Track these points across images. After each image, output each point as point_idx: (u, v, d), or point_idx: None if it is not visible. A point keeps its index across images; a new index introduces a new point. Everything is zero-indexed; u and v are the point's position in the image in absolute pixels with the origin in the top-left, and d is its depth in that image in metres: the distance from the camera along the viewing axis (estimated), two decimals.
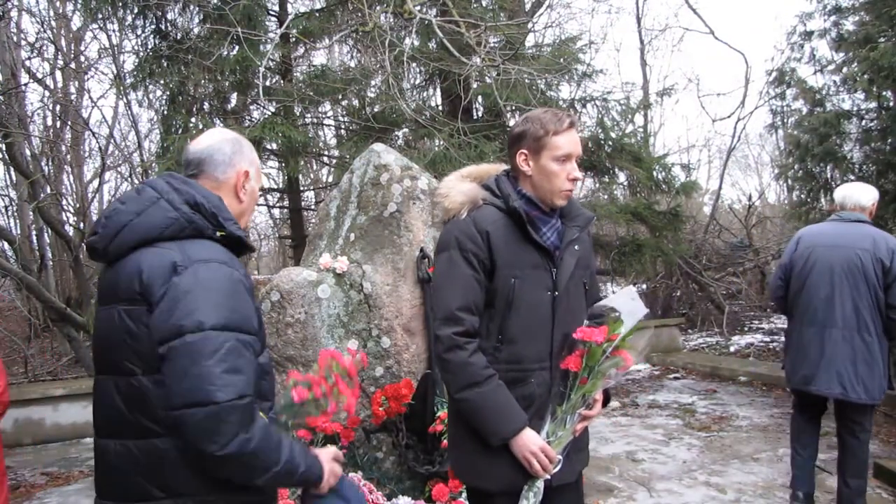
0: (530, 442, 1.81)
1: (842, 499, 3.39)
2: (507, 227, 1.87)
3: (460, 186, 1.95)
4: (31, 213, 9.94)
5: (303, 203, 9.54)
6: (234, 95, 7.73)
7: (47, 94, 11.12)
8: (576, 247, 1.96)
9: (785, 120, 9.10)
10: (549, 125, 1.88)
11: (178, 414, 1.34)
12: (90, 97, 15.82)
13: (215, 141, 1.65)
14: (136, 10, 6.91)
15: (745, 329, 10.18)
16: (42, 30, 10.79)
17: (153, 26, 7.16)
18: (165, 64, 6.99)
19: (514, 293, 1.85)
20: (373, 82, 7.68)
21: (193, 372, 1.34)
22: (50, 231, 10.09)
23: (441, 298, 1.88)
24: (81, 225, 10.69)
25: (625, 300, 1.98)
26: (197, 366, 1.34)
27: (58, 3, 10.87)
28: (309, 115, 8.07)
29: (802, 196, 7.73)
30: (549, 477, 1.84)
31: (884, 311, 3.28)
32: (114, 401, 1.46)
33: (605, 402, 2.04)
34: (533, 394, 1.87)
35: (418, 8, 5.57)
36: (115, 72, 9.77)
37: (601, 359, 1.86)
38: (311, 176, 12.81)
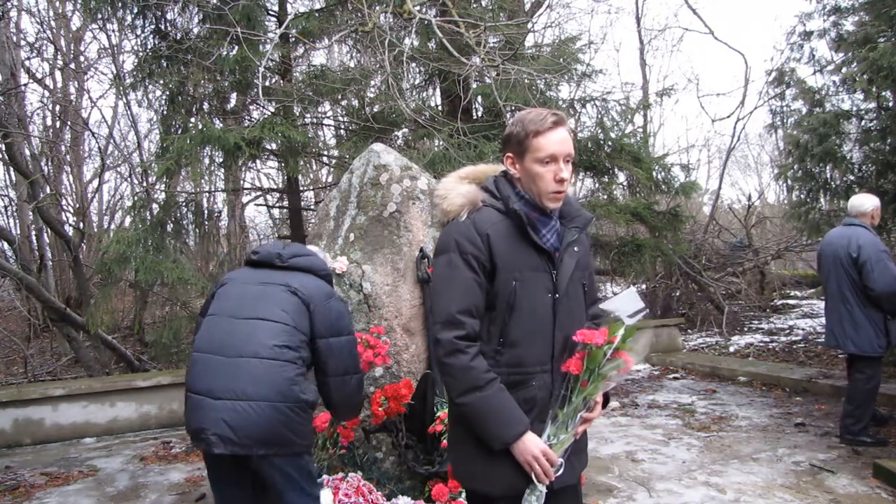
0: (532, 446, 1.78)
1: (843, 414, 4.72)
2: (508, 230, 1.85)
3: (459, 188, 1.93)
4: (30, 213, 9.93)
5: (302, 203, 9.52)
6: (234, 95, 7.72)
7: (47, 94, 11.13)
8: (575, 248, 1.93)
9: (784, 120, 9.10)
10: (531, 126, 1.83)
11: (345, 377, 2.54)
12: (90, 97, 15.88)
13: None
14: (135, 11, 6.89)
15: (745, 329, 10.19)
16: (42, 30, 10.82)
17: (153, 26, 7.15)
18: (165, 64, 6.97)
19: (516, 296, 1.82)
20: (372, 82, 7.67)
21: (352, 355, 2.58)
22: (49, 231, 10.08)
23: (441, 302, 1.85)
24: (81, 225, 10.70)
25: (625, 301, 1.95)
26: (352, 352, 2.58)
27: (57, 3, 10.88)
28: (308, 115, 8.07)
29: (802, 196, 7.72)
30: (549, 481, 1.82)
31: (862, 288, 4.45)
32: (259, 336, 2.38)
33: (605, 404, 2.02)
34: (534, 397, 1.85)
35: (418, 8, 5.57)
36: (115, 72, 9.79)
37: (602, 361, 1.84)
38: (311, 176, 12.81)
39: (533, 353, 1.85)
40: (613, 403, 6.19)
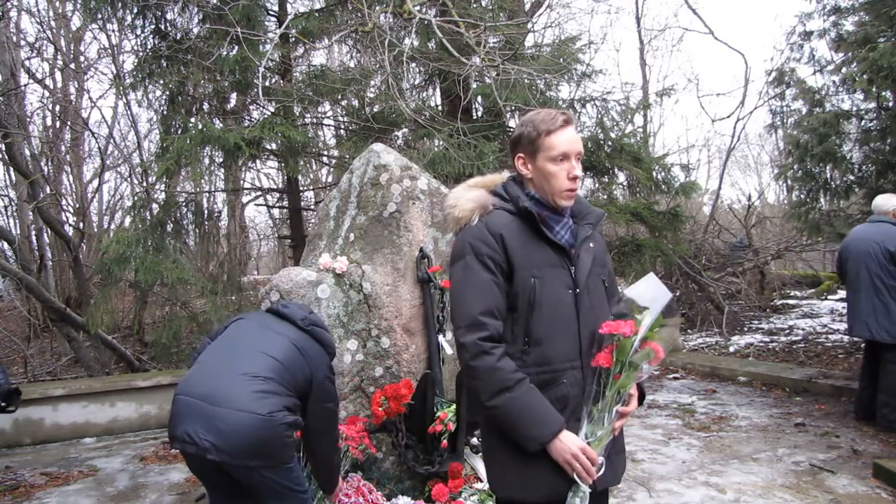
0: (570, 444, 1.74)
1: (875, 404, 4.94)
2: (521, 229, 1.85)
3: (468, 195, 1.93)
4: (30, 213, 9.93)
5: (302, 203, 9.52)
6: (234, 95, 7.72)
7: (47, 94, 11.14)
8: (591, 244, 1.94)
9: (784, 120, 9.12)
10: (542, 126, 1.85)
11: (327, 434, 2.75)
12: (90, 97, 15.89)
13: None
14: (135, 11, 6.89)
15: (745, 329, 10.18)
16: (42, 30, 10.82)
17: (153, 26, 7.14)
18: (165, 64, 6.97)
19: (536, 293, 1.81)
20: (372, 82, 7.67)
21: (335, 416, 2.78)
22: (49, 231, 10.08)
23: (461, 306, 1.82)
24: (81, 225, 10.70)
25: (646, 288, 1.92)
26: (336, 415, 2.78)
27: (57, 3, 10.88)
28: (308, 115, 8.06)
29: (802, 196, 7.72)
30: (592, 480, 1.77)
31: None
32: (261, 363, 2.47)
33: (641, 399, 1.97)
34: (566, 395, 1.82)
35: (418, 8, 5.56)
36: (115, 72, 9.79)
37: (631, 352, 1.81)
38: (311, 176, 12.81)
39: (560, 350, 1.82)
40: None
